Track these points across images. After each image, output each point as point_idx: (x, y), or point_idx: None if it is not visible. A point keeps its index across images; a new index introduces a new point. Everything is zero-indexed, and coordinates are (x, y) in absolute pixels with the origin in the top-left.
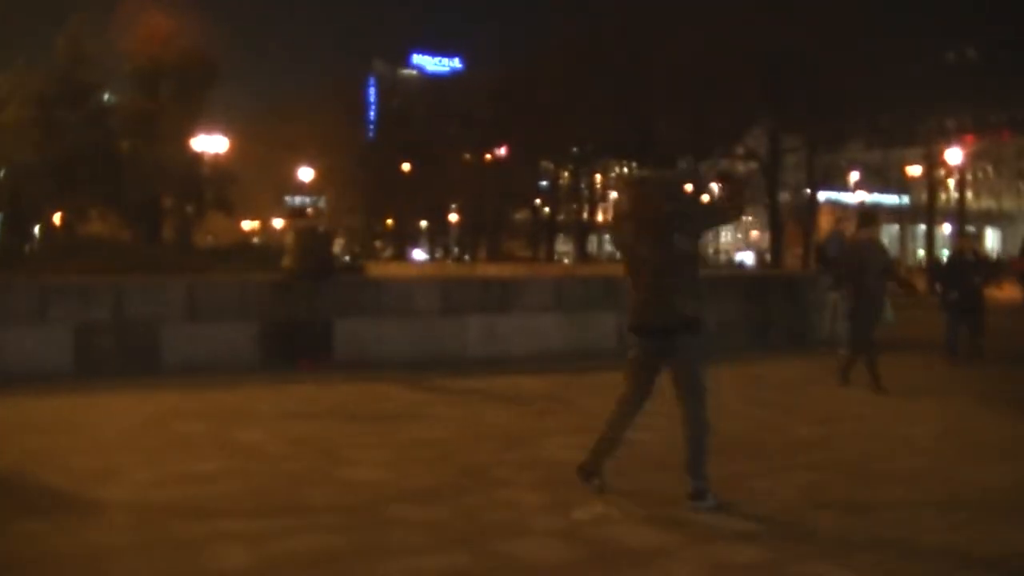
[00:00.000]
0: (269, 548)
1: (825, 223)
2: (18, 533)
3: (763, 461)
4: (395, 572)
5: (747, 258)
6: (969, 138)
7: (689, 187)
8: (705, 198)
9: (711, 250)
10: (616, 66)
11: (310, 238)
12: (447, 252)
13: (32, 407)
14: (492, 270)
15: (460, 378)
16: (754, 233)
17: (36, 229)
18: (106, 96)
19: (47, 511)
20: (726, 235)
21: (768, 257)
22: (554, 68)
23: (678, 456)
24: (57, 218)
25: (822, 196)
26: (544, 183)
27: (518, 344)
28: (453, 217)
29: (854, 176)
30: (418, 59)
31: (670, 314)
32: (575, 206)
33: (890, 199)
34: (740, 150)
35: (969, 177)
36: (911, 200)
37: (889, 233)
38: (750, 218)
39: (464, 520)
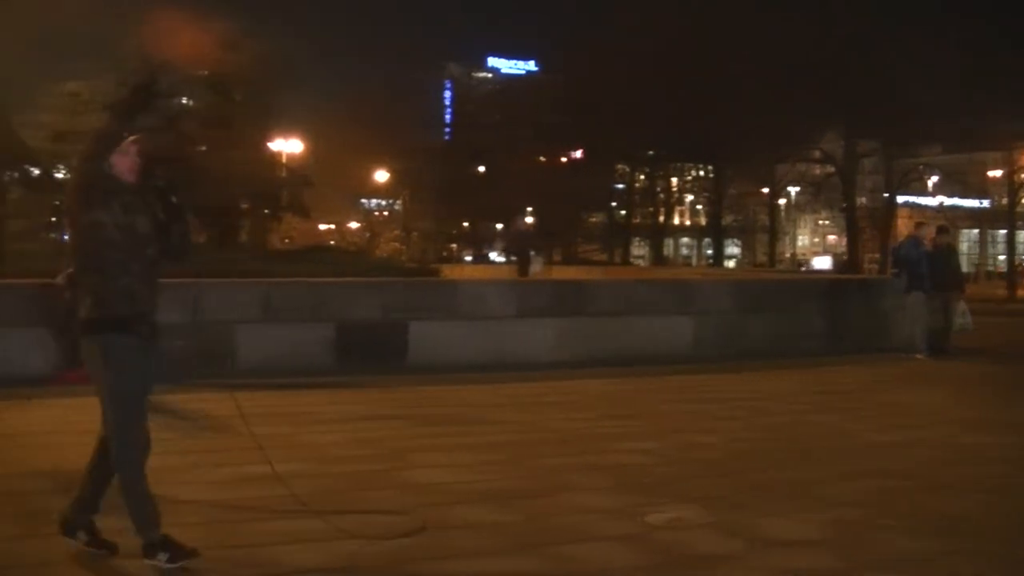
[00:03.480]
0: (338, 549)
1: (903, 227)
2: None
3: (831, 467)
4: (462, 575)
5: (824, 262)
6: None
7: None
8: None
9: (787, 254)
10: (687, 70)
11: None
12: (518, 255)
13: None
14: (567, 273)
15: (532, 382)
16: (831, 237)
17: None
18: (184, 100)
19: (115, 510)
20: (803, 239)
21: (845, 258)
22: (625, 71)
23: (752, 461)
24: None
25: (900, 200)
26: (619, 186)
27: (590, 347)
28: (529, 220)
29: (933, 180)
30: (493, 61)
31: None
32: (650, 209)
33: (970, 203)
34: (816, 154)
35: None
36: (991, 204)
37: (969, 238)
38: (827, 222)
39: (533, 524)
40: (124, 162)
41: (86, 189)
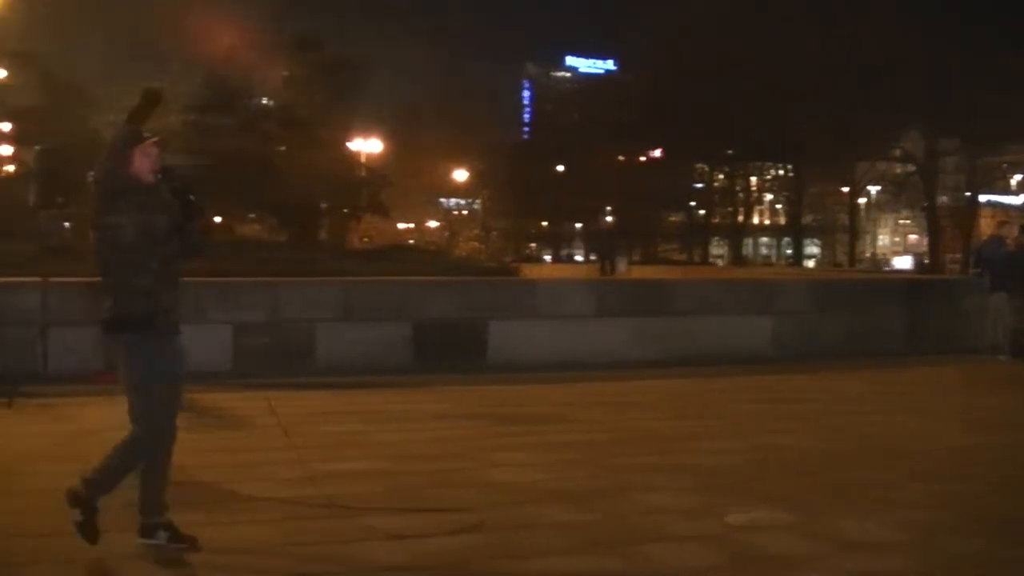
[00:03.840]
0: (414, 546)
1: (986, 227)
2: (176, 523)
3: (908, 469)
4: (538, 573)
5: (905, 262)
6: None
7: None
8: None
9: (867, 254)
10: (766, 68)
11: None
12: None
13: (189, 404)
14: (646, 273)
15: (610, 381)
16: (912, 237)
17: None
18: (264, 100)
19: (200, 504)
20: (883, 239)
21: (926, 259)
22: (704, 70)
23: (832, 462)
24: (218, 220)
25: (982, 199)
26: (699, 185)
27: (668, 347)
28: (609, 219)
29: (1017, 178)
30: (572, 61)
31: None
32: (729, 209)
33: None
34: (897, 153)
35: None
36: None
37: None
38: (908, 221)
39: (610, 523)
40: (144, 163)
41: (106, 191)
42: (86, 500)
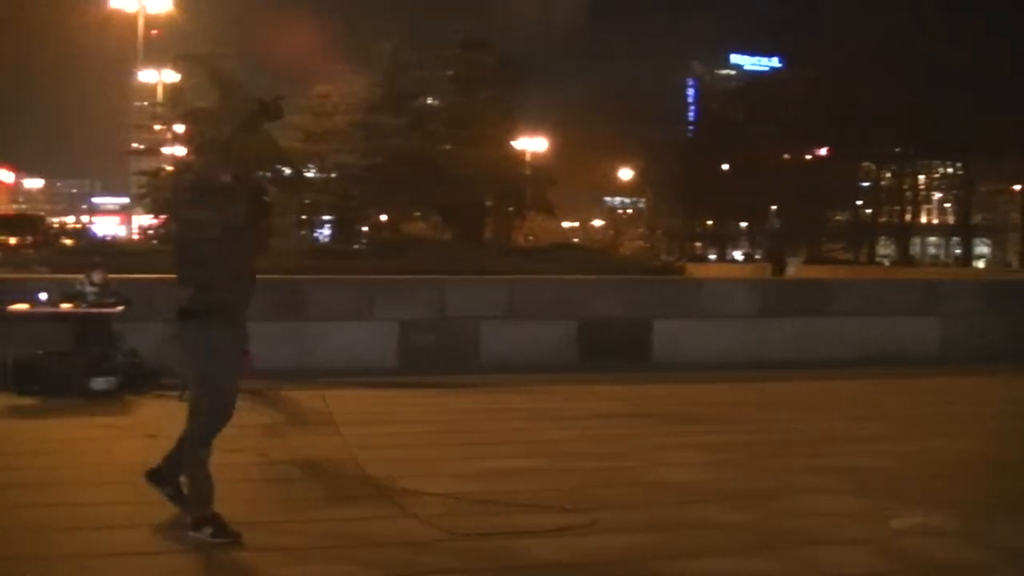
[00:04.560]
0: (573, 544)
1: None
2: (339, 517)
3: None
4: (699, 574)
5: None
6: None
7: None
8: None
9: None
10: (935, 64)
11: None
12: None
13: (356, 399)
14: (811, 272)
15: (774, 381)
16: None
17: (364, 229)
18: (429, 100)
19: (366, 498)
20: None
21: None
22: (872, 66)
23: (1001, 467)
24: (384, 218)
25: None
26: (865, 184)
27: (833, 347)
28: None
29: None
30: (736, 59)
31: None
32: (897, 207)
33: None
34: None
35: None
36: None
37: None
38: None
39: (770, 524)
40: (228, 166)
41: (189, 190)
42: (200, 515)
